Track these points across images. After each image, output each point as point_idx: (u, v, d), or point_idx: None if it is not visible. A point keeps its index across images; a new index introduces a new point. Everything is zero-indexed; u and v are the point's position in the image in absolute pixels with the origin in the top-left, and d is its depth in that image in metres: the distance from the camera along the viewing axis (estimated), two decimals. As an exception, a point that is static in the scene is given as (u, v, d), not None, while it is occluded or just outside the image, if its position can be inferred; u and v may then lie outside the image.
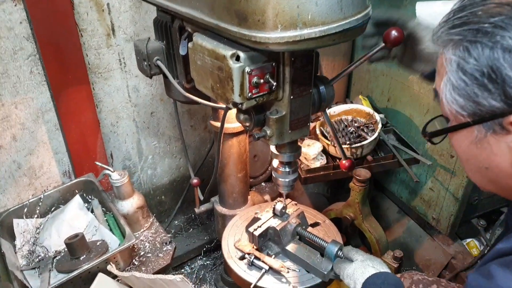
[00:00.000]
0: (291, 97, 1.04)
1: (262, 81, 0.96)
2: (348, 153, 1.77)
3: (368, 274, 1.11)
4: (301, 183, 1.85)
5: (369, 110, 1.89)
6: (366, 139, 1.76)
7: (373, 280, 1.09)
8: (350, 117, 1.93)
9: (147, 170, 2.31)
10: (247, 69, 0.94)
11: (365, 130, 1.81)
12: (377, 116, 1.82)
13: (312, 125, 1.99)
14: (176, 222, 2.52)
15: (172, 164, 2.39)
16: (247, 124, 1.12)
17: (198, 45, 1.04)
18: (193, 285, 1.99)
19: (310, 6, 0.82)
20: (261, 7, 0.83)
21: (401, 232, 2.35)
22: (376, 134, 1.73)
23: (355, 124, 1.86)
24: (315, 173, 1.80)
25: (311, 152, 1.77)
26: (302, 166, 1.84)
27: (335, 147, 1.77)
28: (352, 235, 2.24)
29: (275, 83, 0.99)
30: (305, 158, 1.81)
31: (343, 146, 1.75)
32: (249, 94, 0.97)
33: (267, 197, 2.00)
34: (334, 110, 1.96)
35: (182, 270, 2.23)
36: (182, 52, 1.31)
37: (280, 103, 1.06)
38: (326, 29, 0.84)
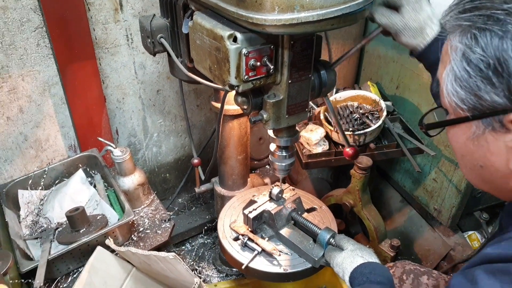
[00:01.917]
0: (289, 81, 1.03)
1: (259, 64, 0.95)
2: (350, 140, 1.75)
3: (356, 264, 1.11)
4: (302, 168, 1.85)
5: (376, 97, 1.86)
6: (370, 126, 1.74)
7: (360, 270, 1.09)
8: (356, 103, 1.90)
9: (152, 148, 2.33)
10: (244, 51, 0.93)
11: (370, 118, 1.79)
12: (383, 104, 1.79)
13: (316, 110, 1.97)
14: (179, 200, 2.55)
15: (177, 143, 2.40)
16: (245, 107, 1.11)
17: (197, 24, 1.02)
18: (192, 262, 2.03)
19: (309, -11, 0.80)
20: (258, -13, 0.82)
21: (402, 221, 2.35)
22: (380, 122, 1.71)
23: (360, 111, 1.83)
24: (317, 159, 1.79)
25: (314, 137, 1.76)
26: (304, 151, 1.83)
27: (338, 133, 1.75)
28: (353, 222, 2.24)
29: (272, 67, 0.97)
30: (307, 143, 1.80)
31: (346, 132, 1.73)
32: (246, 77, 0.96)
33: (267, 180, 2.01)
34: (340, 96, 1.93)
35: (183, 247, 2.27)
36: (184, 30, 1.30)
37: (278, 87, 1.05)
38: (325, 13, 0.82)
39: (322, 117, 1.85)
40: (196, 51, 1.08)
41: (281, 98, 1.05)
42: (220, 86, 1.43)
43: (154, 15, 1.48)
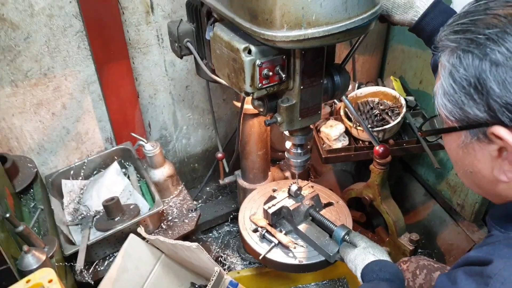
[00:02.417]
0: (301, 87, 1.10)
1: (271, 73, 1.03)
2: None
3: (368, 261, 1.18)
4: (321, 162, 1.91)
5: (396, 93, 1.87)
6: (389, 123, 1.77)
7: (371, 267, 1.16)
8: (376, 99, 1.93)
9: (182, 140, 2.46)
10: (258, 62, 1.00)
11: (389, 114, 1.81)
12: (403, 100, 1.81)
13: (338, 105, 2.02)
14: (207, 188, 2.67)
15: (205, 135, 2.52)
16: (261, 109, 1.19)
17: (217, 35, 1.11)
18: (218, 249, 2.16)
19: (315, 8, 0.86)
20: (269, 7, 0.89)
21: (426, 215, 2.37)
22: (399, 119, 1.73)
23: (381, 107, 1.86)
24: (336, 154, 1.85)
25: (333, 133, 1.81)
26: (324, 146, 1.90)
27: (357, 129, 1.80)
28: (375, 214, 2.28)
29: (284, 75, 1.04)
30: (327, 138, 1.86)
31: (365, 129, 1.78)
32: (260, 85, 1.04)
33: (287, 173, 2.09)
34: (361, 92, 1.96)
35: (210, 234, 2.40)
36: (207, 36, 1.38)
37: (291, 92, 1.12)
38: (330, 29, 0.88)
39: (342, 113, 1.89)
40: (216, 59, 1.17)
41: (294, 103, 1.12)
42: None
43: (181, 20, 1.57)
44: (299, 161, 1.34)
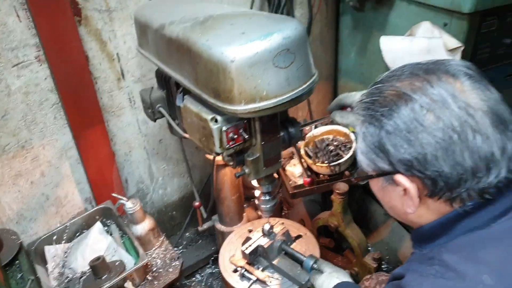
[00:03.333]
0: (263, 143, 1.31)
1: (236, 136, 1.24)
2: (328, 170, 2.03)
3: (333, 284, 1.38)
4: (289, 198, 2.12)
5: (346, 130, 2.14)
6: (342, 157, 2.02)
7: None
8: (331, 137, 2.19)
9: (159, 190, 2.56)
10: (224, 128, 1.21)
11: (342, 149, 2.07)
12: (352, 136, 2.08)
13: (298, 145, 2.25)
14: (187, 234, 2.76)
15: (181, 183, 2.63)
16: (231, 163, 1.39)
17: (187, 107, 1.31)
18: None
19: (264, 86, 1.08)
20: (229, 87, 1.10)
21: (387, 233, 2.60)
22: (350, 153, 1.99)
23: (335, 143, 2.11)
24: (301, 189, 2.06)
25: (296, 171, 2.04)
26: (290, 182, 2.11)
27: (316, 165, 2.03)
28: (343, 239, 2.48)
29: (247, 136, 1.26)
30: (292, 176, 2.08)
31: (323, 164, 2.02)
32: (227, 146, 1.24)
33: (260, 212, 2.27)
34: (317, 131, 2.21)
35: (193, 278, 2.49)
36: (178, 103, 1.58)
37: (254, 147, 1.33)
38: (278, 100, 1.11)
39: (302, 151, 2.13)
40: (188, 125, 1.37)
41: (258, 156, 1.33)
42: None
43: (152, 87, 1.73)
44: (268, 206, 1.54)
